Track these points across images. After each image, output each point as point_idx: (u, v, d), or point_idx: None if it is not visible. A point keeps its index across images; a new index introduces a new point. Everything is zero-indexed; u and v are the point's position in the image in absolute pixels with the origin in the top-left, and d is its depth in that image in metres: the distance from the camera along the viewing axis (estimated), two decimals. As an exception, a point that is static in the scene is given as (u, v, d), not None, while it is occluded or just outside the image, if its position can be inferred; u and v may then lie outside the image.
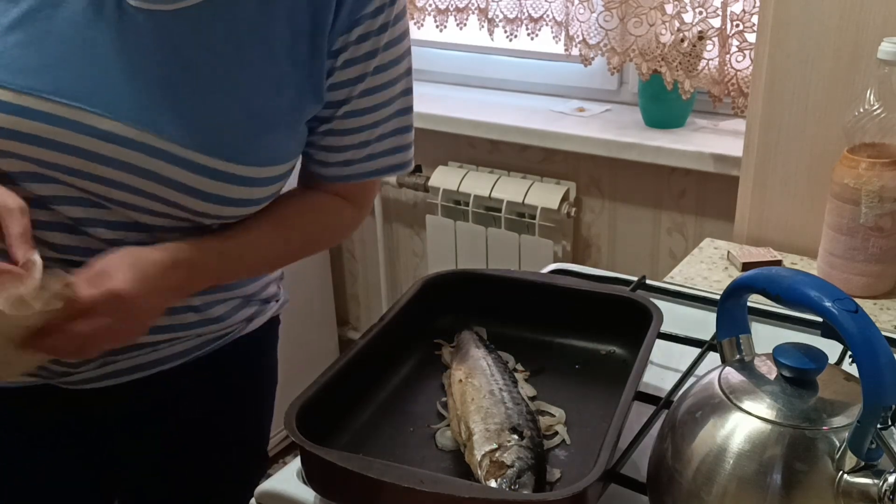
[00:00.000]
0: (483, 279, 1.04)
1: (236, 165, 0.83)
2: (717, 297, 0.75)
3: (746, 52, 1.62)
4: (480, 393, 0.84)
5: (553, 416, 0.87)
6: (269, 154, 0.85)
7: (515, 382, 0.88)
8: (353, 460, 0.71)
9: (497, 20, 1.89)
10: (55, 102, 0.79)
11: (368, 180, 0.95)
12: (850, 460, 0.60)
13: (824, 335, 0.66)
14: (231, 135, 0.83)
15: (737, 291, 0.73)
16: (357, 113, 0.91)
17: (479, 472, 0.75)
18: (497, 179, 1.94)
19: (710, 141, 1.70)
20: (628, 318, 0.94)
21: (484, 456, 0.76)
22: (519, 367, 0.96)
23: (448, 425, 0.85)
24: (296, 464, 0.79)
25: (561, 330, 1.00)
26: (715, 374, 0.70)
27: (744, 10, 1.60)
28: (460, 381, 0.88)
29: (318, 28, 0.84)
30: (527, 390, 0.90)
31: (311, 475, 0.74)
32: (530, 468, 0.74)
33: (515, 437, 0.78)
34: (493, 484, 0.73)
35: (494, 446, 0.77)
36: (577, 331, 0.99)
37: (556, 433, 0.85)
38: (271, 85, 0.84)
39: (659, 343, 0.99)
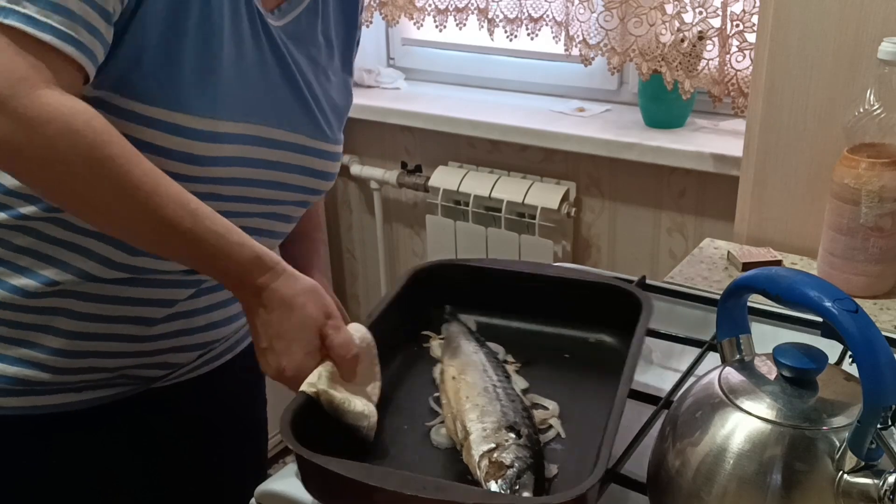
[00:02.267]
0: (469, 270, 1.02)
1: (338, 146, 1.02)
2: (717, 297, 0.75)
3: (746, 52, 1.62)
4: (475, 390, 0.83)
5: (547, 409, 0.86)
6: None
7: (508, 377, 0.88)
8: (352, 468, 0.69)
9: (497, 20, 1.89)
10: (262, 126, 0.91)
11: None
12: (850, 460, 0.60)
13: (824, 335, 0.66)
14: (335, 123, 1.01)
15: (737, 291, 0.73)
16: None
17: (479, 473, 0.74)
18: (497, 179, 1.94)
19: (710, 141, 1.70)
20: (615, 306, 0.95)
21: (482, 456, 0.75)
22: (510, 358, 0.95)
23: (442, 422, 0.84)
24: (296, 464, 0.79)
25: (549, 319, 0.99)
26: (715, 374, 0.70)
27: (744, 10, 1.60)
28: (453, 377, 0.86)
29: (352, 27, 1.04)
30: (520, 383, 0.89)
31: (309, 482, 0.73)
32: (529, 467, 0.73)
33: (513, 435, 0.77)
34: (493, 485, 0.72)
35: (493, 446, 0.75)
36: (565, 319, 0.99)
37: (551, 426, 0.84)
38: (343, 79, 1.03)
39: (659, 343, 1.00)
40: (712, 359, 0.90)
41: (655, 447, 0.71)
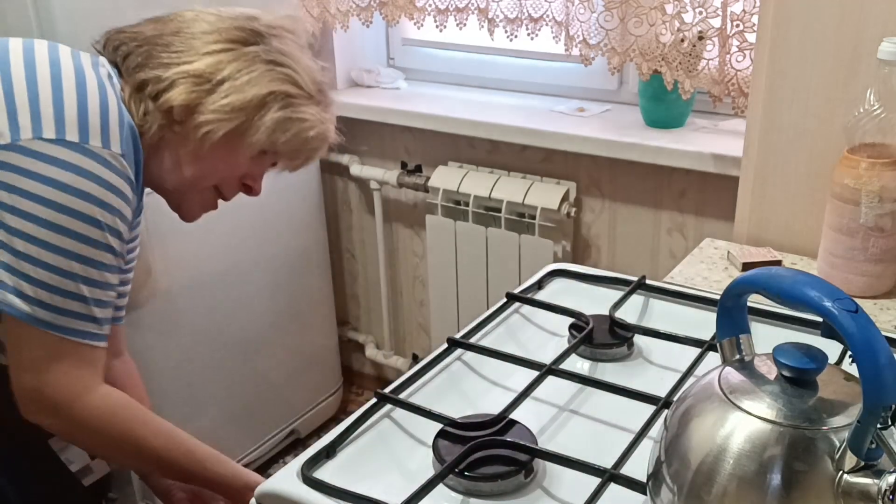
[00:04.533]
0: None
1: None
2: (717, 297, 0.75)
3: (746, 52, 1.62)
4: None
5: None
6: None
7: None
8: None
9: (497, 20, 1.89)
10: None
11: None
12: (850, 460, 0.60)
13: (824, 335, 0.66)
14: None
15: (737, 291, 0.73)
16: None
17: None
18: (497, 179, 1.94)
19: (710, 141, 1.70)
20: None
21: None
22: None
23: None
24: (296, 464, 0.79)
25: None
26: (715, 374, 0.70)
27: (744, 10, 1.60)
28: None
29: None
30: None
31: None
32: None
33: None
34: None
35: None
36: None
37: None
38: None
39: (659, 343, 1.00)
40: (712, 359, 0.90)
41: (655, 447, 0.71)
